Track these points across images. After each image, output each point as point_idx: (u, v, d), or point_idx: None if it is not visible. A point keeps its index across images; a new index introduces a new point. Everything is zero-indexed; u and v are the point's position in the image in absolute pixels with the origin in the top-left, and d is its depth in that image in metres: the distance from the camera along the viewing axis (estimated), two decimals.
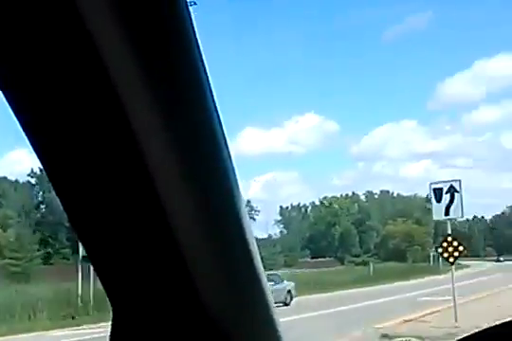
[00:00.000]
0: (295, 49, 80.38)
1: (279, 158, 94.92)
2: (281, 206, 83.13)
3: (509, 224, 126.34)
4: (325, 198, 79.08)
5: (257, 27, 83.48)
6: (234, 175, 0.83)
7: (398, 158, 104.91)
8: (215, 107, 0.78)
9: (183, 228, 0.77)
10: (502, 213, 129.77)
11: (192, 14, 0.73)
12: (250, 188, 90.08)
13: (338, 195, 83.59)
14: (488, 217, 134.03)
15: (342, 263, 71.76)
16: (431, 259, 63.50)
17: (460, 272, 58.27)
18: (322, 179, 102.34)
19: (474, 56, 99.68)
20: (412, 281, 40.76)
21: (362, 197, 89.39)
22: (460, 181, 18.29)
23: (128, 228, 0.78)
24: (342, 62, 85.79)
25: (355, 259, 77.88)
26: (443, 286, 33.87)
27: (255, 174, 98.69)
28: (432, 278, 44.08)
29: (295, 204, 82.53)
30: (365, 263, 73.96)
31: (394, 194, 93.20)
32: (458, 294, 17.13)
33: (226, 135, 0.80)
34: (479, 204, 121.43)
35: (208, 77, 0.76)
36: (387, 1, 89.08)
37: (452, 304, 16.75)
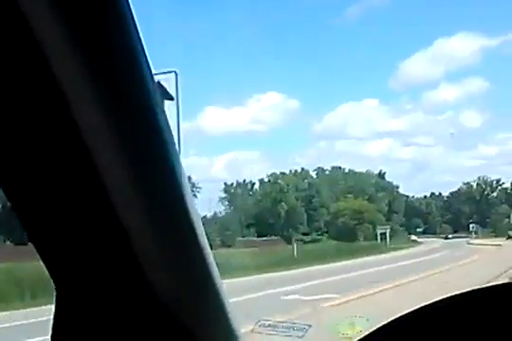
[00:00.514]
0: (254, 27, 77.48)
1: (241, 137, 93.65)
2: (225, 183, 78.93)
3: (464, 201, 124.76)
4: (272, 174, 75.09)
5: (211, 6, 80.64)
6: (178, 160, 0.85)
7: (361, 137, 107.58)
8: (158, 101, 0.80)
9: (128, 214, 0.77)
10: (459, 190, 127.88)
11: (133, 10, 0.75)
12: (213, 167, 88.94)
13: (287, 171, 79.74)
14: (445, 193, 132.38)
15: (289, 242, 68.06)
16: (379, 236, 60.26)
17: (412, 250, 55.44)
18: (285, 158, 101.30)
19: (435, 35, 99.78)
20: (352, 261, 37.19)
21: (313, 173, 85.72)
22: None
23: (72, 212, 0.77)
24: (304, 41, 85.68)
25: (304, 237, 74.39)
26: (384, 266, 30.46)
27: (218, 154, 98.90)
28: (378, 257, 41.18)
29: (241, 180, 78.47)
30: (315, 241, 70.52)
31: (346, 170, 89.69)
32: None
33: (169, 123, 0.82)
34: (439, 181, 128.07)
35: (151, 71, 0.79)
36: None
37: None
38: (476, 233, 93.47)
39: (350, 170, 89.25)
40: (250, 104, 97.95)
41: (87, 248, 0.80)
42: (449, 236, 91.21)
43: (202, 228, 0.88)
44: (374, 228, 73.73)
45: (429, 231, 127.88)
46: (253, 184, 77.30)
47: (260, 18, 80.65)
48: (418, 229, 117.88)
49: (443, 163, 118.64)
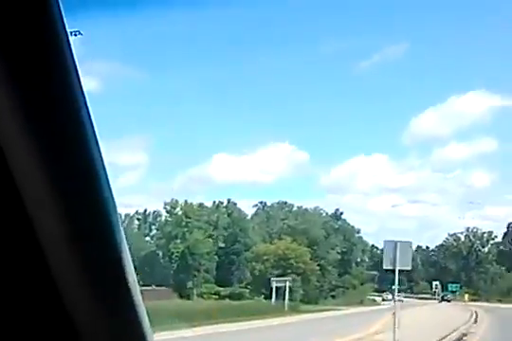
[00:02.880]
0: (272, 79, 79.74)
1: (246, 186, 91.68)
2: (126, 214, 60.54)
3: (450, 256, 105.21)
4: (174, 201, 56.06)
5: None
6: (106, 175, 0.86)
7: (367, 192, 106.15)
8: (90, 118, 0.82)
9: (48, 235, 0.79)
10: (444, 242, 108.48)
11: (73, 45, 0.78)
12: None
13: (205, 202, 61.34)
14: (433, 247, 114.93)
15: (181, 295, 49.23)
16: (274, 292, 41.64)
17: (318, 315, 37.74)
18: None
19: (448, 92, 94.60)
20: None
21: (246, 208, 67.43)
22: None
23: None
24: (318, 93, 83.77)
25: (220, 289, 55.93)
26: None
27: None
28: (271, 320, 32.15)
29: (141, 210, 60.08)
30: (236, 296, 51.92)
31: (294, 207, 71.33)
32: None
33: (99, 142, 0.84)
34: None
35: (82, 89, 0.81)
36: (365, 31, 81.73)
37: None
38: (436, 294, 77.90)
39: (299, 208, 70.85)
40: (259, 154, 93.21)
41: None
42: (386, 297, 72.76)
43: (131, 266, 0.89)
44: (309, 281, 55.19)
45: (415, 289, 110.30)
46: (147, 215, 58.91)
47: (276, 70, 79.82)
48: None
49: (449, 221, 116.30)
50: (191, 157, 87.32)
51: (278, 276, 51.86)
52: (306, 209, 69.96)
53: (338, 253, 69.76)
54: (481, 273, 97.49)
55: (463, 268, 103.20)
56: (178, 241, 51.49)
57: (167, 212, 53.83)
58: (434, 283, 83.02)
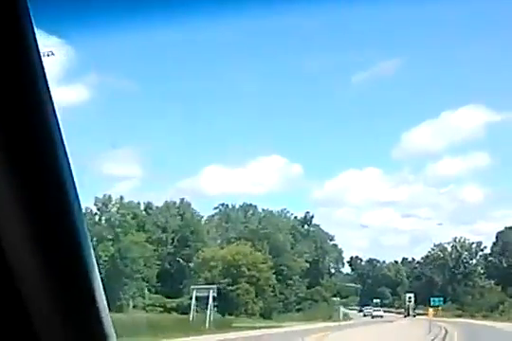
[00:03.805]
0: (265, 91, 78.44)
1: (238, 198, 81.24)
2: None
3: (436, 268, 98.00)
4: (107, 197, 48.68)
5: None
6: (72, 179, 0.87)
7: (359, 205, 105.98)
8: (65, 151, 0.85)
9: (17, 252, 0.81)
10: (430, 253, 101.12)
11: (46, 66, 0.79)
12: None
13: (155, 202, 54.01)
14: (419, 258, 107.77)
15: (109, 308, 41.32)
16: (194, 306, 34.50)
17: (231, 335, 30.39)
18: None
19: (441, 106, 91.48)
20: None
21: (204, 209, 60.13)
22: None
23: None
24: (311, 106, 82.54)
25: (166, 300, 48.73)
26: None
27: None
28: None
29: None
30: (172, 310, 44.63)
31: (259, 210, 64.05)
32: None
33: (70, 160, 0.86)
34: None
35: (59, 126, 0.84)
36: (358, 45, 78.92)
37: None
38: (410, 308, 70.97)
39: (264, 210, 63.60)
40: (252, 166, 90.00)
41: None
42: (368, 312, 66.16)
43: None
44: (264, 291, 48.01)
45: (397, 304, 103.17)
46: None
47: (268, 82, 77.52)
48: (375, 300, 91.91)
49: (441, 236, 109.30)
50: (182, 169, 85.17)
51: (229, 285, 44.54)
52: (272, 212, 62.70)
53: (306, 261, 62.45)
54: (468, 286, 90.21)
55: (449, 281, 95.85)
56: (109, 243, 44.04)
57: (98, 209, 46.56)
58: (408, 296, 75.49)
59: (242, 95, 79.96)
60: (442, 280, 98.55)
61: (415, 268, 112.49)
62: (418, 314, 73.01)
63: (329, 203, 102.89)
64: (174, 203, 57.11)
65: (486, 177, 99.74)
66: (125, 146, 74.93)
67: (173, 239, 53.12)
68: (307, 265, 61.81)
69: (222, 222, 60.62)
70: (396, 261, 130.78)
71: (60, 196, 0.84)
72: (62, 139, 0.83)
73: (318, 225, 68.41)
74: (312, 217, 66.73)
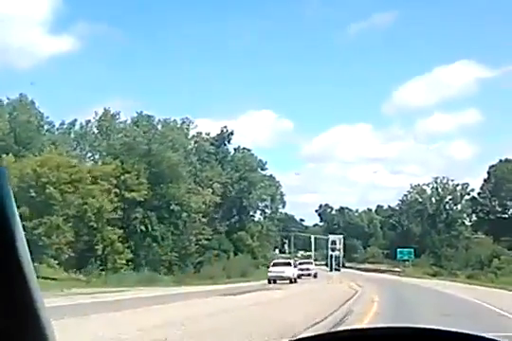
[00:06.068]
0: (258, 44, 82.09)
1: None
2: None
3: (413, 216, 79.37)
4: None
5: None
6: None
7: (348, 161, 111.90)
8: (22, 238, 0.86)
9: None
10: (405, 197, 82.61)
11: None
12: None
13: None
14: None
15: None
16: None
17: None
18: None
19: (434, 61, 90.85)
20: None
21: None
22: None
23: None
24: (304, 59, 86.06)
25: None
26: None
27: None
28: None
29: None
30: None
31: (155, 120, 44.67)
32: None
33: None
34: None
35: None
36: None
37: None
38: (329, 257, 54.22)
39: (162, 120, 43.83)
40: (241, 120, 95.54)
41: None
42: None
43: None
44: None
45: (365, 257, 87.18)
46: None
47: (261, 33, 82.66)
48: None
49: None
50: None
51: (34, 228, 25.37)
52: (169, 124, 42.96)
53: (218, 195, 43.04)
54: (451, 236, 71.80)
55: (428, 231, 77.46)
56: None
57: None
58: (331, 239, 58.75)
59: (236, 48, 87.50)
60: (420, 230, 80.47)
61: (390, 217, 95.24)
62: (367, 270, 56.67)
63: (317, 158, 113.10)
64: None
65: (476, 133, 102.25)
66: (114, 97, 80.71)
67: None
68: (217, 199, 42.38)
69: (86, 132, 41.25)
70: (370, 209, 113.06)
71: None
72: None
73: (246, 149, 48.78)
74: (231, 134, 47.04)
